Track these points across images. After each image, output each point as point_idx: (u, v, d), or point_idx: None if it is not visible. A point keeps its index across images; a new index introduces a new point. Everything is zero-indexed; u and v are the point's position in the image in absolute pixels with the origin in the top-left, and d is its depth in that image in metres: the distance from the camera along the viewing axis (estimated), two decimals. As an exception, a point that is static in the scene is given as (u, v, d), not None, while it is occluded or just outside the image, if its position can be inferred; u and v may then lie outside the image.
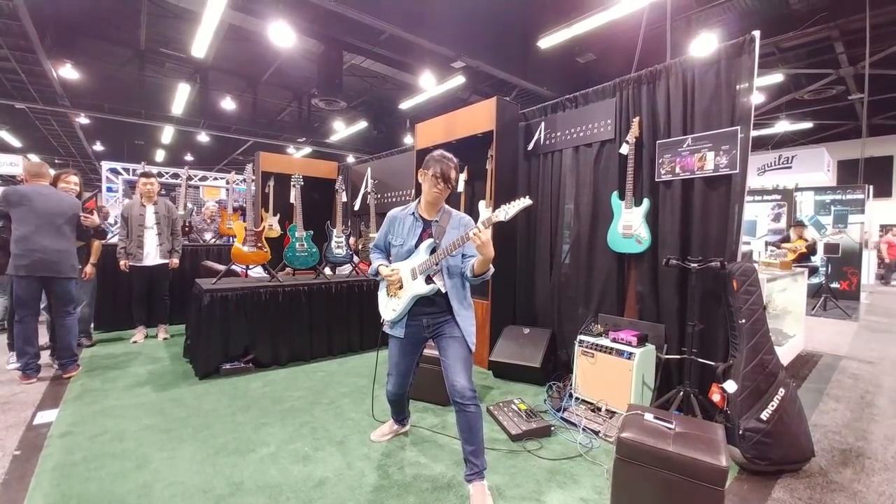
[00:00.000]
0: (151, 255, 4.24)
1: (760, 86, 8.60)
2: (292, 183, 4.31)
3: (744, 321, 2.36)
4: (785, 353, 3.90)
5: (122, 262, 4.17)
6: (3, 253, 3.24)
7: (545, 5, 6.98)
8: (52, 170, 3.45)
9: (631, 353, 2.62)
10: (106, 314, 4.69)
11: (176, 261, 4.41)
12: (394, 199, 5.70)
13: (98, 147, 15.67)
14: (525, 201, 1.78)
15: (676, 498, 1.66)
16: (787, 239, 7.04)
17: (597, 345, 2.80)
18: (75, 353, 3.45)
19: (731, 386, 2.27)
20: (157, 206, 4.34)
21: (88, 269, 3.84)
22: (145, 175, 4.37)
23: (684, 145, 2.82)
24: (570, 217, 3.60)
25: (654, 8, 5.51)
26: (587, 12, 5.82)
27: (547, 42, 6.57)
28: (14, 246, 3.07)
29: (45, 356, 3.47)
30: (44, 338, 3.51)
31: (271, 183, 5.67)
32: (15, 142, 14.58)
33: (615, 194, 3.16)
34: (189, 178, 6.82)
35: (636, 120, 3.06)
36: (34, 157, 11.70)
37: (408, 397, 2.40)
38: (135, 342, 4.31)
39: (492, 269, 1.92)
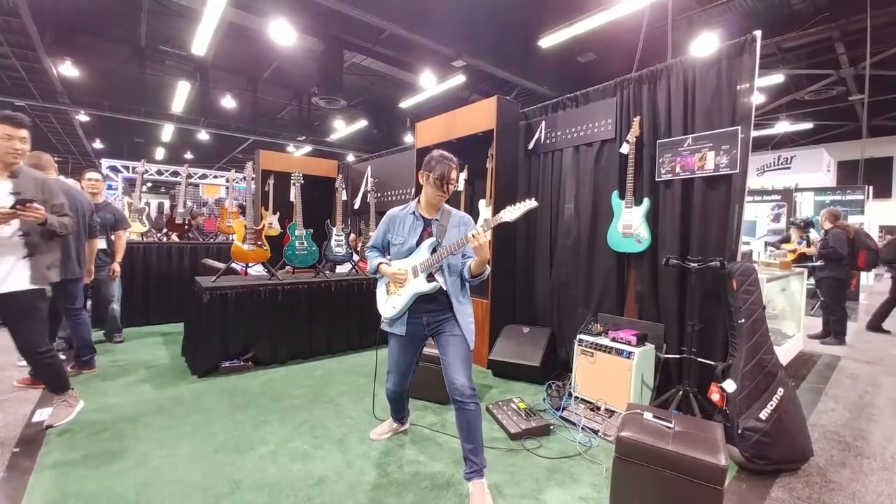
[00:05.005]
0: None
1: (761, 86, 8.60)
2: (292, 181, 4.30)
3: (743, 321, 2.36)
4: (784, 353, 3.90)
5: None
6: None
7: (546, 5, 6.97)
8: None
9: (630, 353, 2.62)
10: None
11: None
12: (394, 198, 5.70)
13: (98, 145, 15.67)
14: (531, 203, 1.81)
15: (675, 497, 1.66)
16: (787, 239, 7.05)
17: (596, 344, 2.80)
18: (95, 350, 3.44)
19: (730, 385, 2.28)
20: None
21: (115, 267, 3.84)
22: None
23: (685, 145, 2.82)
24: (570, 216, 3.60)
25: (655, 8, 5.51)
26: (588, 12, 5.82)
27: (547, 41, 6.56)
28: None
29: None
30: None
31: (271, 181, 5.67)
32: (14, 139, 14.55)
33: (615, 194, 3.16)
34: (189, 176, 6.81)
35: (637, 119, 3.05)
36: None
37: (407, 396, 2.40)
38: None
39: (488, 269, 1.95)
